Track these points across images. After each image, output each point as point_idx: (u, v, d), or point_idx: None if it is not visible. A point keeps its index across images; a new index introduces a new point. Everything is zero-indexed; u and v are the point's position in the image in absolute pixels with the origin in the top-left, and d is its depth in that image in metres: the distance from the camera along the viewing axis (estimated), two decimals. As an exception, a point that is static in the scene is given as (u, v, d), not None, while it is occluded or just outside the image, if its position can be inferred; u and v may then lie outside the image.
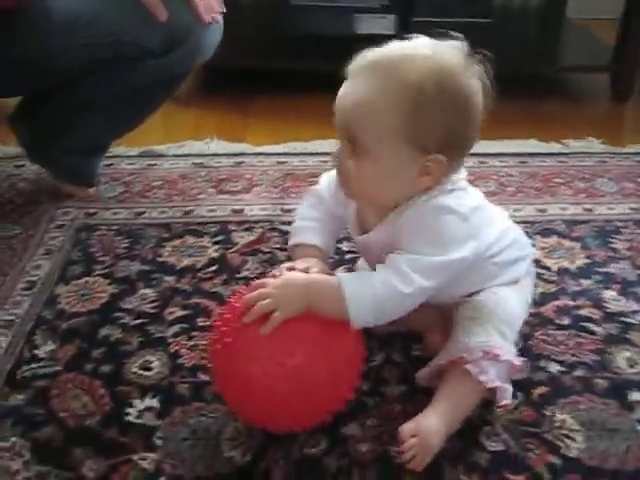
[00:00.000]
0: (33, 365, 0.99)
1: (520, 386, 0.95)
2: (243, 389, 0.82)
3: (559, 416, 0.91)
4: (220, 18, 1.27)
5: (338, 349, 0.83)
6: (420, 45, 0.84)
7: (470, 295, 0.96)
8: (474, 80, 0.83)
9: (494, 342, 0.88)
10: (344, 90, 0.84)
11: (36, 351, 1.01)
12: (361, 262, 1.10)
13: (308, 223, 0.99)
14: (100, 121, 1.29)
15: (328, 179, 1.00)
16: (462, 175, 0.91)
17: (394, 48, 0.83)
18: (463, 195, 0.89)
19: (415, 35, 0.85)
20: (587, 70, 2.03)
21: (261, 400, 0.81)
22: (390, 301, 0.84)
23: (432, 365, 0.92)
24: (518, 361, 0.90)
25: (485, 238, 0.93)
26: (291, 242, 0.99)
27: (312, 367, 0.80)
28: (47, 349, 1.02)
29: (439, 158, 0.83)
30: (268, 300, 0.81)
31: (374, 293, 0.82)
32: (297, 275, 0.85)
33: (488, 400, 0.90)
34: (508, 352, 0.89)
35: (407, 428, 0.83)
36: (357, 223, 0.97)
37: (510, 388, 0.89)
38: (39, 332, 1.05)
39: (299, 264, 0.90)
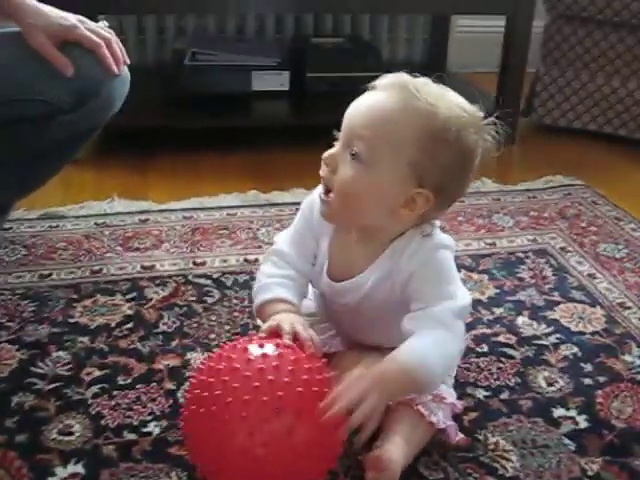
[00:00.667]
0: (-63, 443, 0.91)
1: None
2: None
3: (492, 439, 0.93)
4: (126, 69, 1.26)
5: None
6: (451, 93, 0.88)
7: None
8: (482, 140, 0.86)
9: (440, 387, 0.91)
10: (367, 97, 0.86)
11: (-60, 427, 0.93)
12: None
13: (277, 280, 0.95)
14: (6, 181, 1.23)
15: (286, 237, 0.99)
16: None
17: (429, 83, 0.87)
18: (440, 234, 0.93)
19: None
20: (473, 117, 2.15)
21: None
22: (451, 357, 0.88)
23: None
24: (459, 403, 0.94)
25: None
26: (260, 299, 0.94)
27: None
28: (-47, 424, 0.94)
29: (428, 194, 0.84)
30: (373, 399, 0.78)
31: (440, 358, 0.84)
32: (364, 376, 0.80)
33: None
34: (451, 395, 0.93)
35: (384, 454, 0.82)
36: (337, 267, 0.94)
37: (456, 427, 0.91)
38: (-58, 406, 0.97)
39: (284, 323, 0.85)
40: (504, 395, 1.01)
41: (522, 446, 0.92)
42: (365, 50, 2.25)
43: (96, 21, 1.24)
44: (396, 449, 0.84)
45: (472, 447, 0.92)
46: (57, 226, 1.48)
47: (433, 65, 2.57)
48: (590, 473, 0.88)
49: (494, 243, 1.46)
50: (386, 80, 0.86)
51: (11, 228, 1.46)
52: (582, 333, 1.16)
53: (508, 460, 0.90)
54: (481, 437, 0.93)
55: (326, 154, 0.87)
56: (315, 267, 0.97)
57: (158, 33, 2.43)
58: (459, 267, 1.32)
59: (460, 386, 1.02)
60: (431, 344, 0.83)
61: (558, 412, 0.98)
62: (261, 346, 0.79)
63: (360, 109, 0.85)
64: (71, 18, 1.16)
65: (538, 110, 2.16)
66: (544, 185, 1.75)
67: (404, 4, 1.94)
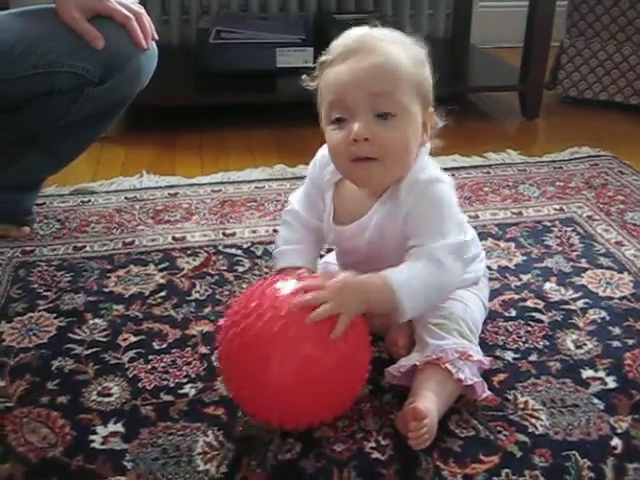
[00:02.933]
0: (-18, 404, 0.94)
1: (480, 375, 0.98)
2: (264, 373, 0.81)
3: (521, 398, 0.94)
4: (154, 45, 1.28)
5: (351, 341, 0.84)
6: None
7: None
8: None
9: (465, 344, 0.93)
10: (352, 64, 0.89)
11: (-16, 390, 0.97)
12: (330, 257, 1.12)
13: (291, 246, 1.03)
14: (40, 156, 1.26)
15: (297, 199, 1.06)
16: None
17: (373, 29, 0.94)
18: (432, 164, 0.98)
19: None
20: (497, 89, 2.15)
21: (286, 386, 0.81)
22: (437, 289, 0.91)
23: (404, 364, 0.93)
24: (486, 360, 0.95)
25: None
26: (277, 267, 1.03)
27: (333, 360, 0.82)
28: (-4, 387, 0.97)
29: (431, 111, 0.94)
30: (331, 304, 0.82)
31: (423, 286, 0.88)
32: (349, 278, 0.87)
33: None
34: (477, 353, 0.94)
35: (422, 405, 0.85)
36: (342, 213, 0.99)
37: (484, 383, 0.92)
38: (-15, 371, 1.00)
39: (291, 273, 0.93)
40: (533, 357, 1.02)
41: (551, 405, 0.93)
42: (388, 26, 2.23)
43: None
44: (430, 401, 0.86)
45: (501, 406, 0.93)
46: (89, 201, 1.51)
47: (456, 40, 2.56)
48: (619, 431, 0.89)
49: (520, 212, 1.46)
50: (348, 46, 0.91)
51: (44, 203, 1.49)
52: (610, 298, 1.16)
53: (537, 419, 0.91)
54: (510, 397, 0.95)
55: (357, 130, 0.88)
56: (323, 220, 1.02)
57: (182, 13, 2.45)
58: (485, 235, 1.35)
59: (489, 348, 1.03)
60: (416, 272, 0.89)
61: (587, 373, 0.99)
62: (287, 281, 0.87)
63: (363, 73, 0.88)
64: None
65: (563, 83, 2.15)
66: (570, 156, 1.74)
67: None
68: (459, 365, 0.90)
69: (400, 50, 0.91)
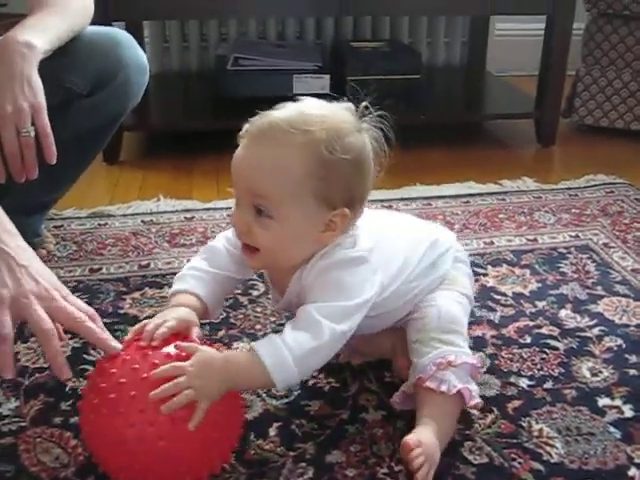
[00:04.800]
0: (-3, 423, 0.95)
1: (494, 402, 0.97)
2: (116, 448, 0.77)
3: (536, 426, 0.94)
4: (144, 59, 1.31)
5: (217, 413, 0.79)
6: (313, 107, 0.86)
7: (409, 314, 0.98)
8: (366, 137, 0.86)
9: (444, 352, 0.91)
10: (247, 154, 0.83)
11: (-1, 409, 0.97)
12: None
13: (196, 273, 0.94)
14: (37, 179, 1.19)
15: (226, 237, 0.98)
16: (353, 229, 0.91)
17: (289, 111, 0.84)
18: (357, 241, 0.89)
19: (304, 98, 0.87)
20: (513, 117, 2.16)
21: (133, 460, 0.77)
22: (310, 356, 0.82)
23: (402, 391, 0.94)
24: (474, 359, 0.93)
25: (391, 267, 0.94)
26: (172, 288, 0.94)
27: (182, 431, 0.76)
28: (10, 406, 0.98)
29: (344, 212, 0.85)
30: (189, 391, 0.76)
31: (293, 355, 0.80)
32: (211, 356, 0.80)
33: (466, 417, 0.92)
34: (461, 355, 0.91)
35: (412, 438, 0.84)
36: (274, 291, 0.98)
37: (475, 387, 0.91)
38: (0, 390, 1.01)
39: (158, 316, 0.86)
40: (548, 384, 1.01)
41: (567, 433, 0.92)
42: (404, 53, 2.27)
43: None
44: (423, 429, 0.85)
45: (516, 433, 0.92)
46: (106, 224, 1.53)
47: (472, 68, 2.58)
48: (637, 460, 0.88)
49: (536, 239, 1.46)
50: (255, 127, 0.84)
51: (62, 226, 1.51)
52: (626, 325, 1.15)
53: (553, 447, 0.90)
54: (525, 424, 0.94)
55: (235, 220, 0.85)
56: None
57: (201, 40, 2.49)
58: (500, 262, 1.35)
59: (503, 375, 1.03)
60: (285, 340, 0.81)
61: (603, 401, 0.98)
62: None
63: (245, 167, 0.83)
64: None
65: (579, 111, 2.15)
66: (586, 184, 1.74)
67: (444, 6, 1.95)
68: (440, 376, 0.88)
69: (300, 149, 0.81)
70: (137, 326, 0.86)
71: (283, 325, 1.12)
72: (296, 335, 0.82)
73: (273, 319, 1.18)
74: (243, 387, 0.83)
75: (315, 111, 0.84)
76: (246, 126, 0.85)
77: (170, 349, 0.81)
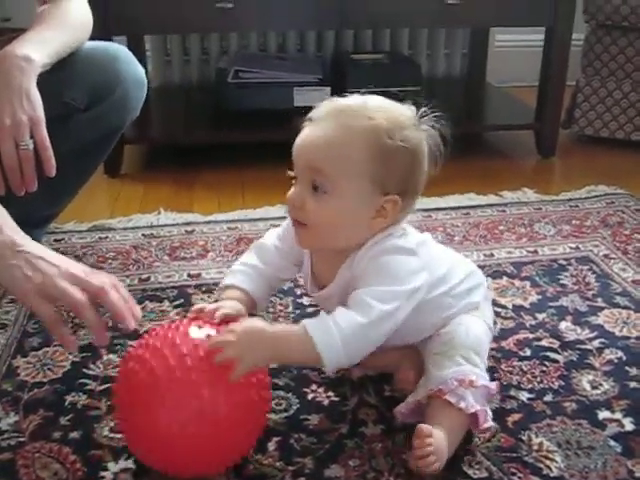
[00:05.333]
0: (-4, 438, 0.95)
1: (494, 415, 0.96)
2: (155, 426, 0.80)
3: (535, 440, 0.93)
4: (142, 73, 1.32)
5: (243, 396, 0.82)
6: (377, 99, 0.91)
7: (437, 330, 0.98)
8: (424, 135, 0.91)
9: (467, 370, 0.91)
10: (309, 132, 0.88)
11: (-2, 424, 0.97)
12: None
13: (245, 268, 1.00)
14: (36, 193, 1.19)
15: (276, 234, 1.03)
16: (404, 223, 0.96)
17: (358, 99, 0.90)
18: (407, 234, 0.94)
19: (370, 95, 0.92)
20: (513, 128, 2.16)
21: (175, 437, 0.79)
22: (359, 337, 0.85)
23: (410, 402, 0.93)
24: (492, 385, 0.93)
25: (435, 271, 0.97)
26: (223, 282, 1.00)
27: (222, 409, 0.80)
28: (9, 421, 0.98)
29: (396, 199, 0.88)
30: (233, 350, 0.80)
31: (341, 333, 0.83)
32: (262, 326, 0.85)
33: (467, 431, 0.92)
34: (481, 377, 0.92)
35: (428, 426, 0.85)
36: (312, 280, 0.99)
37: (489, 412, 0.91)
38: (0, 405, 1.01)
39: (212, 305, 0.91)
40: (548, 397, 1.01)
41: (567, 447, 0.92)
42: (405, 65, 2.28)
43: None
44: (437, 436, 0.85)
45: (516, 447, 0.92)
46: (106, 237, 1.53)
47: (472, 79, 2.59)
48: (638, 475, 0.87)
49: (536, 251, 1.46)
50: (322, 110, 0.89)
51: (63, 239, 1.51)
52: (627, 338, 1.15)
53: (552, 460, 0.90)
54: (525, 438, 0.93)
55: (290, 194, 0.89)
56: (302, 275, 1.03)
57: (202, 53, 2.51)
58: (500, 274, 1.35)
59: (503, 388, 1.02)
60: (335, 319, 0.84)
61: (603, 414, 0.98)
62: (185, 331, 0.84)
63: (308, 144, 0.88)
64: None
65: (579, 121, 2.15)
66: (586, 194, 1.74)
67: (444, 18, 1.96)
68: (460, 393, 0.88)
69: (361, 132, 0.85)
70: (196, 307, 0.91)
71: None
72: (346, 315, 0.85)
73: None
74: (289, 360, 0.87)
75: (380, 103, 0.90)
76: (312, 111, 0.90)
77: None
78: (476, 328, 0.98)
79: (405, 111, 0.91)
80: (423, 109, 0.91)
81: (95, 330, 0.86)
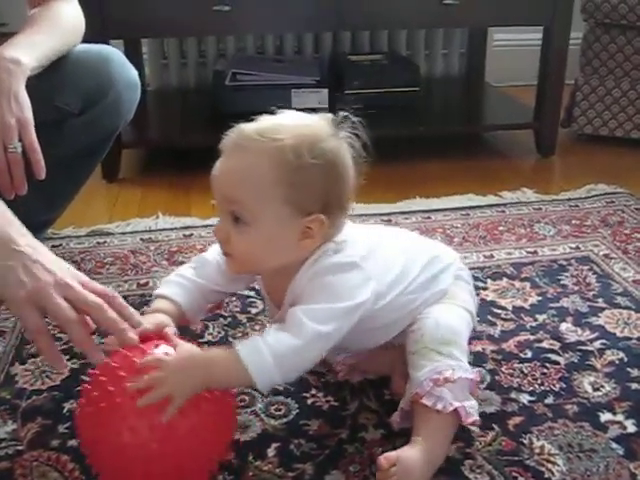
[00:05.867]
0: (-7, 447, 0.94)
1: (495, 419, 0.96)
2: (113, 451, 0.78)
3: (537, 443, 0.93)
4: (135, 76, 1.32)
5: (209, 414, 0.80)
6: (286, 117, 0.88)
7: (409, 327, 0.97)
8: (342, 143, 0.87)
9: (441, 366, 0.89)
10: (222, 165, 0.86)
11: (-4, 433, 0.97)
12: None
13: (180, 280, 0.97)
14: (32, 199, 1.18)
15: (218, 249, 0.98)
16: (346, 230, 0.92)
17: (265, 121, 0.87)
18: (346, 247, 0.90)
19: (282, 111, 0.89)
20: (512, 128, 2.15)
21: (130, 463, 0.78)
22: (291, 356, 0.83)
23: (400, 408, 0.93)
24: (472, 374, 0.91)
25: (386, 276, 0.94)
26: (156, 291, 0.97)
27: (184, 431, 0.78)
28: (7, 429, 0.97)
29: (320, 218, 0.85)
30: (165, 387, 0.77)
31: (273, 354, 0.81)
32: (192, 353, 0.82)
33: (466, 435, 0.91)
34: (459, 369, 0.90)
35: (386, 456, 0.83)
36: (270, 300, 0.98)
37: (473, 403, 0.90)
38: (-2, 413, 1.00)
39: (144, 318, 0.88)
40: (549, 400, 1.01)
41: (568, 450, 0.91)
42: (403, 66, 2.27)
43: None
44: (411, 449, 0.85)
45: (517, 451, 0.91)
46: (104, 242, 1.53)
47: (471, 79, 2.58)
48: (640, 477, 0.87)
49: (536, 251, 1.45)
50: (230, 139, 0.86)
51: (61, 245, 1.50)
52: (628, 338, 1.14)
53: (554, 464, 0.89)
54: (526, 441, 0.93)
55: (215, 228, 0.88)
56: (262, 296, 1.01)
57: (199, 56, 2.50)
58: (500, 275, 1.34)
59: (504, 390, 1.02)
60: (266, 339, 0.82)
61: (605, 417, 0.97)
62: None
63: (220, 176, 0.86)
64: None
65: (578, 120, 2.15)
66: (586, 194, 1.73)
67: (442, 19, 1.95)
68: (437, 393, 0.87)
69: (268, 156, 0.83)
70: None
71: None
72: (278, 335, 0.83)
73: (272, 337, 1.17)
74: (222, 384, 0.82)
75: (287, 121, 0.87)
76: (221, 142, 0.88)
77: (155, 348, 0.82)
78: (446, 317, 0.95)
79: (318, 123, 0.87)
80: (341, 114, 0.87)
81: (84, 350, 0.83)
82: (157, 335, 0.85)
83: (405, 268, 0.97)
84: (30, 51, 1.14)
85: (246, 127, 0.86)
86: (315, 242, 0.87)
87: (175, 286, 0.96)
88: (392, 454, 0.84)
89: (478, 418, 0.90)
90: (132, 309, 0.87)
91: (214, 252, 0.99)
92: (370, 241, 0.95)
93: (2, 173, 1.07)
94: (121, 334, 0.83)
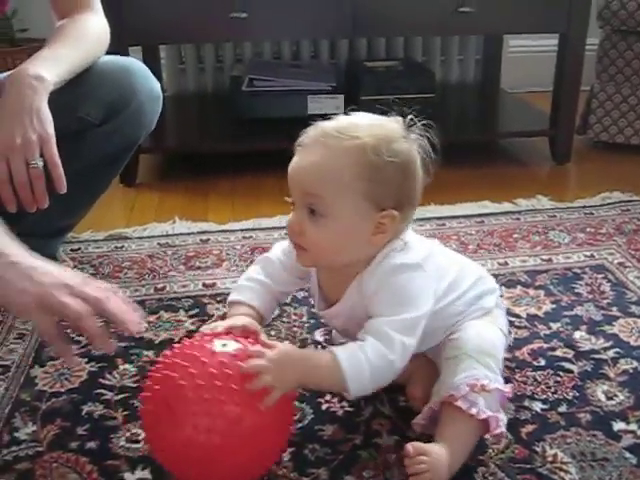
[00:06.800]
0: (14, 448, 0.96)
1: (508, 426, 0.96)
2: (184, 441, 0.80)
3: (550, 451, 0.93)
4: (158, 88, 1.34)
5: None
6: (362, 117, 0.92)
7: (447, 336, 0.98)
8: (413, 144, 0.90)
9: (479, 374, 0.91)
10: (301, 160, 0.89)
11: (16, 434, 0.98)
12: (335, 332, 1.12)
13: (251, 284, 1.02)
14: (51, 206, 1.19)
15: (281, 248, 1.04)
16: (407, 232, 0.96)
17: (343, 120, 0.90)
18: (410, 248, 0.93)
19: (357, 112, 0.92)
20: (528, 135, 2.16)
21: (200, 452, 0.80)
22: (383, 368, 0.87)
23: (426, 411, 0.94)
24: (506, 388, 0.93)
25: (442, 281, 0.97)
26: (230, 298, 1.02)
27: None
28: (27, 431, 0.99)
29: (393, 213, 0.89)
30: (267, 376, 0.81)
31: (371, 367, 0.85)
32: (293, 352, 0.87)
33: (479, 442, 0.92)
34: (495, 381, 0.91)
35: (414, 444, 0.86)
36: (321, 295, 1.00)
37: (503, 417, 0.91)
38: (18, 415, 1.02)
39: (226, 322, 0.93)
40: (562, 408, 1.01)
41: (581, 459, 0.92)
42: (418, 72, 2.28)
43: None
44: (438, 447, 0.86)
45: (530, 459, 0.92)
46: (122, 247, 1.55)
47: (486, 86, 2.59)
48: (652, 487, 0.87)
49: (550, 259, 1.45)
50: (309, 135, 0.89)
51: (79, 249, 1.53)
52: (642, 347, 1.15)
53: (567, 472, 0.89)
54: (539, 449, 0.93)
55: (289, 221, 0.91)
56: (310, 291, 1.05)
57: (216, 61, 2.52)
58: (514, 283, 1.34)
59: (517, 398, 1.02)
60: (364, 351, 0.86)
61: (618, 425, 0.98)
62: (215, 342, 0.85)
63: (299, 171, 0.89)
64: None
65: (594, 127, 2.15)
66: (601, 202, 1.73)
67: (458, 26, 1.95)
68: (472, 398, 0.88)
69: (349, 153, 0.86)
70: (207, 327, 0.93)
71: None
72: (375, 346, 0.87)
73: (287, 342, 1.18)
74: (315, 385, 0.89)
75: (364, 120, 0.91)
76: (300, 137, 0.91)
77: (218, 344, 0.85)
78: (489, 332, 0.98)
79: (391, 124, 0.91)
80: (409, 118, 0.91)
81: (99, 340, 0.86)
82: (244, 334, 0.89)
83: (457, 278, 1.00)
84: (54, 67, 1.16)
85: (325, 125, 0.89)
86: (386, 237, 0.91)
87: (249, 291, 1.01)
88: (420, 444, 0.86)
89: (505, 431, 0.91)
90: (132, 305, 0.90)
91: (277, 252, 1.04)
92: (425, 246, 0.98)
93: (24, 187, 1.10)
94: (129, 320, 0.86)
